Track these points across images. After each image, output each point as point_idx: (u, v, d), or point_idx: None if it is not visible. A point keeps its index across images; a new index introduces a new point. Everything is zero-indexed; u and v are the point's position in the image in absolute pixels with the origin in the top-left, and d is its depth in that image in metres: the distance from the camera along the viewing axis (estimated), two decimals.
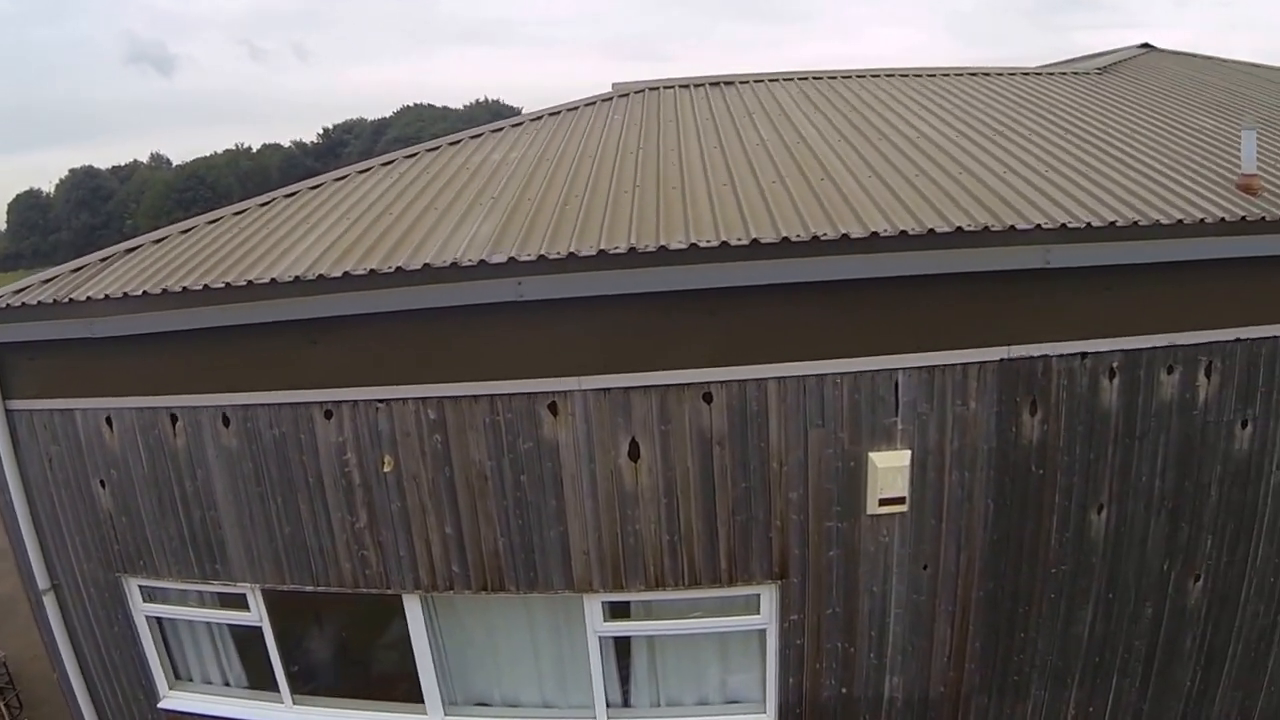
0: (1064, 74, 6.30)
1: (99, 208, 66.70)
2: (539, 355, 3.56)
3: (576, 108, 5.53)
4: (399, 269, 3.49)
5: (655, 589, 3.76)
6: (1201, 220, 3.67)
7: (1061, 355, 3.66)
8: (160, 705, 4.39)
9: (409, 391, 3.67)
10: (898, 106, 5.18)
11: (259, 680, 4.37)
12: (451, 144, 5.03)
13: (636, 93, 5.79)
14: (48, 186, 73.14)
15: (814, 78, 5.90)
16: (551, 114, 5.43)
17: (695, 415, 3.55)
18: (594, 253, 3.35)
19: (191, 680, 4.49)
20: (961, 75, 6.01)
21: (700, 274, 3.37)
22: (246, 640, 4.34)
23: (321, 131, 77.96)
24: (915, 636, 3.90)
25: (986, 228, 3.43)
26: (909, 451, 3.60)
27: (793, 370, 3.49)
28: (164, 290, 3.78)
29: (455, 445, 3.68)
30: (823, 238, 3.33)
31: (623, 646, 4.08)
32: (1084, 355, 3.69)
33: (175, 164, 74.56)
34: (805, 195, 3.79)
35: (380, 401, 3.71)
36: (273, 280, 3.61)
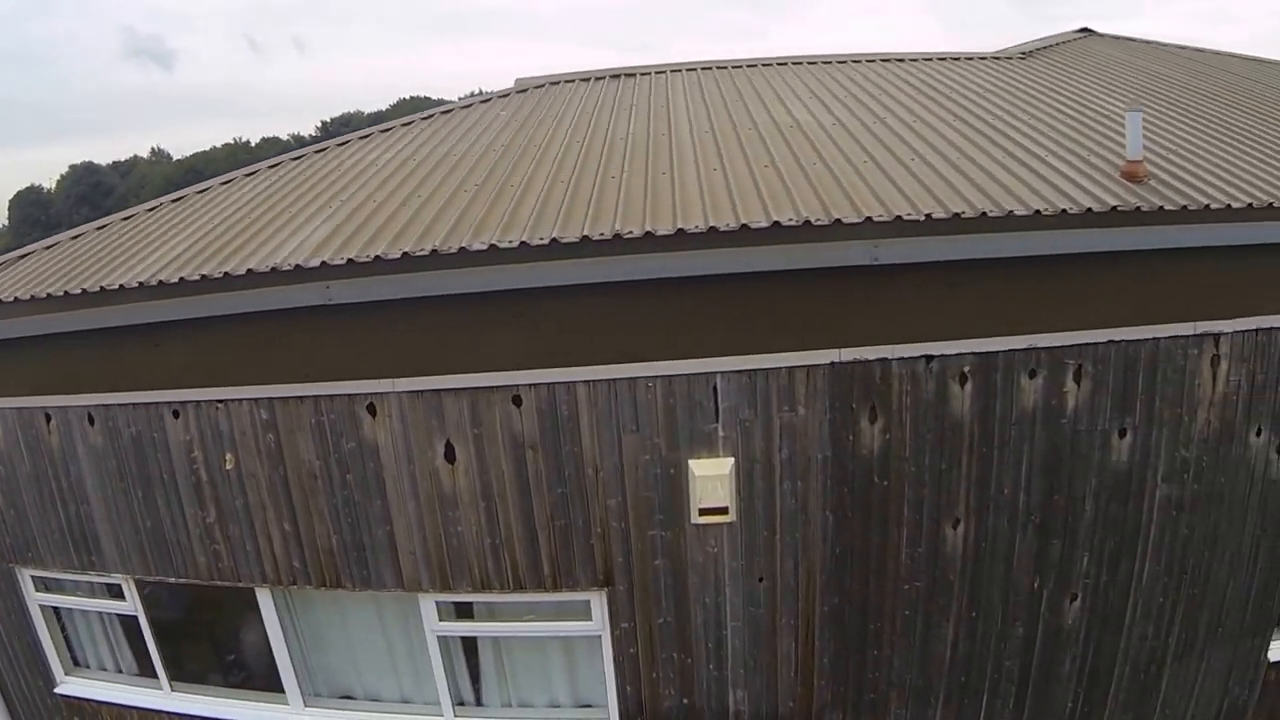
0: (984, 59, 5.88)
1: (100, 203, 65.84)
2: (356, 357, 3.55)
3: (471, 104, 5.48)
4: (226, 274, 3.54)
5: (482, 591, 3.74)
6: (1064, 211, 3.38)
7: (902, 359, 3.44)
8: (56, 691, 4.62)
9: (244, 392, 3.72)
10: (788, 96, 4.93)
11: (145, 668, 4.57)
12: (340, 144, 5.06)
13: (537, 87, 5.69)
14: (48, 183, 72.14)
15: (718, 67, 5.68)
16: (444, 112, 5.39)
17: (506, 418, 3.48)
18: (398, 256, 3.33)
19: (88, 667, 4.72)
20: (874, 62, 5.67)
21: (502, 275, 3.30)
22: (133, 629, 4.53)
23: (319, 125, 75.55)
24: (756, 650, 3.76)
25: (808, 222, 3.23)
26: (732, 460, 3.46)
27: (602, 373, 3.38)
28: (32, 297, 3.95)
29: (286, 445, 3.72)
30: (626, 235, 3.21)
31: (471, 646, 4.09)
32: (929, 358, 3.46)
33: (175, 158, 73.52)
34: (635, 191, 3.65)
35: (219, 402, 3.78)
36: (120, 286, 3.72)
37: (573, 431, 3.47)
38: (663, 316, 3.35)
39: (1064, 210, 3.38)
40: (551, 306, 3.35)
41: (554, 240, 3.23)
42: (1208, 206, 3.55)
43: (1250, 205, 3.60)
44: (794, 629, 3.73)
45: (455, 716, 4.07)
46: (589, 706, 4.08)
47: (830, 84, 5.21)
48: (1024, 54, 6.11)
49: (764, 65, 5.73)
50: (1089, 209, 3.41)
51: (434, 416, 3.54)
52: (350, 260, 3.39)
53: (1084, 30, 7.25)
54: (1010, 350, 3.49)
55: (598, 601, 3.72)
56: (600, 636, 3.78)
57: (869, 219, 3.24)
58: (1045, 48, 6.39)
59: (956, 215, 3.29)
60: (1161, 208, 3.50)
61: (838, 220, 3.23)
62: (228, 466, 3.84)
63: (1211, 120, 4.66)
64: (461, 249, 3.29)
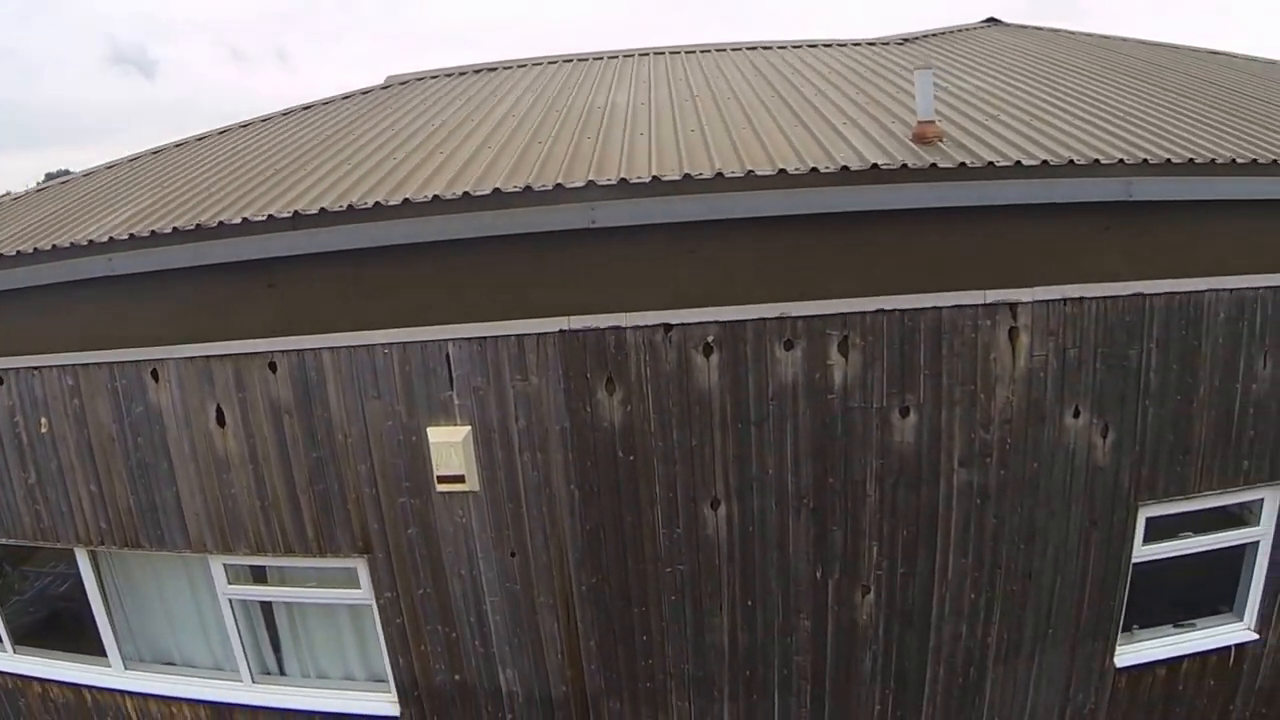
0: (858, 45, 5.62)
1: None
2: (140, 324, 3.73)
3: (332, 100, 5.70)
4: (36, 249, 3.84)
5: (258, 553, 3.82)
6: (814, 169, 3.20)
7: (637, 327, 3.31)
8: None
9: (53, 360, 3.98)
10: (621, 82, 4.88)
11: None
12: (198, 140, 5.39)
13: (403, 83, 5.87)
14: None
15: (579, 59, 5.68)
16: (305, 108, 5.63)
17: (265, 384, 3.58)
18: (169, 230, 3.52)
19: None
20: (739, 51, 5.52)
21: (252, 245, 3.40)
22: None
23: None
24: (519, 627, 3.67)
25: (528, 188, 3.20)
26: (468, 428, 3.42)
27: (343, 340, 3.43)
28: None
29: (89, 409, 3.95)
30: (359, 206, 3.27)
31: (270, 614, 4.18)
32: (667, 327, 3.32)
33: None
34: (402, 170, 3.73)
35: (34, 369, 4.07)
36: None
37: (322, 397, 3.53)
38: (394, 284, 3.37)
39: (814, 169, 3.21)
40: (296, 275, 3.43)
41: (296, 213, 3.33)
42: (991, 164, 3.28)
43: (1046, 162, 3.30)
44: (553, 608, 3.62)
45: (254, 683, 4.17)
46: (382, 680, 4.09)
47: (675, 71, 5.13)
48: (903, 40, 5.82)
49: (625, 56, 5.70)
50: (844, 167, 3.22)
51: (205, 381, 3.68)
52: (132, 235, 3.61)
53: (990, 20, 6.85)
54: (760, 319, 3.30)
55: (362, 569, 3.74)
56: (370, 606, 3.80)
57: (591, 182, 3.17)
58: (934, 35, 6.07)
59: (688, 176, 3.18)
60: (934, 165, 3.25)
61: (559, 185, 3.18)
62: (43, 430, 4.11)
63: (1062, 90, 4.29)
64: (221, 223, 3.45)
